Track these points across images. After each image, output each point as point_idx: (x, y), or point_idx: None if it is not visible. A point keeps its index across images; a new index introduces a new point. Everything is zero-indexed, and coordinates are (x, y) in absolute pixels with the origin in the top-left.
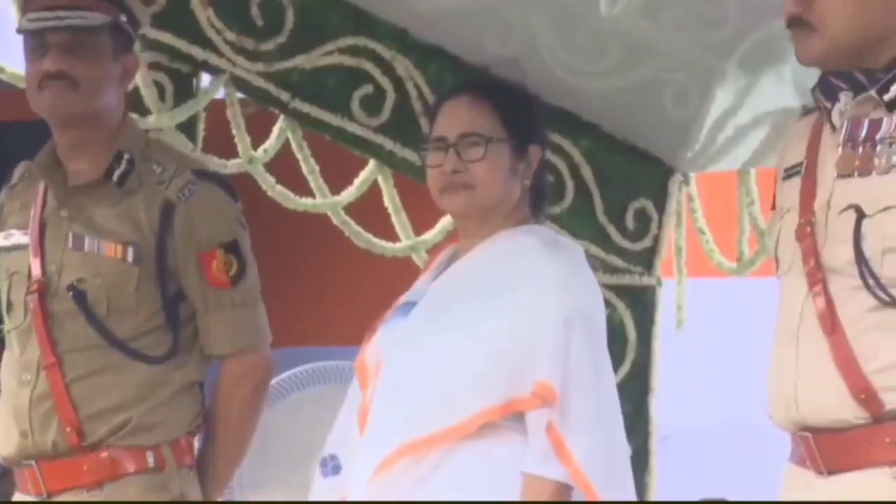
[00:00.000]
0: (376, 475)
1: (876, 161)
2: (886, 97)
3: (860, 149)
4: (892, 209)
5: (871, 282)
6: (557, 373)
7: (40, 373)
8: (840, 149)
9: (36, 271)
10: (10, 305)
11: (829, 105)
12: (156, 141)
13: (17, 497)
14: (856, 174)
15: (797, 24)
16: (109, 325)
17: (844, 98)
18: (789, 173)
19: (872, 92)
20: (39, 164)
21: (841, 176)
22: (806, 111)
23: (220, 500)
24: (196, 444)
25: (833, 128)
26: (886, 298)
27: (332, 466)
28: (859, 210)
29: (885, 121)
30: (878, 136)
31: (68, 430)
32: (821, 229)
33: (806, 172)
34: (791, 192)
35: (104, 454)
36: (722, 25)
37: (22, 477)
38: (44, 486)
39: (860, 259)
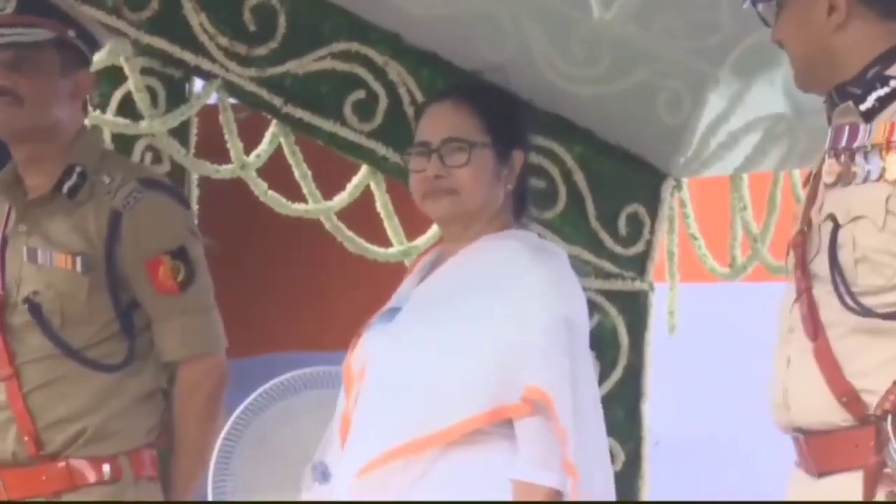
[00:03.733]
0: (358, 479)
1: (854, 170)
2: (863, 107)
3: (841, 158)
4: (862, 219)
5: (842, 289)
6: (548, 376)
7: None
8: (827, 158)
9: None
10: None
11: (831, 113)
12: (112, 153)
13: None
14: (840, 184)
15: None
16: (64, 335)
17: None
18: (805, 183)
19: (850, 103)
20: (1, 181)
21: (828, 186)
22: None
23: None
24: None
25: None
26: (856, 308)
27: (321, 473)
28: (834, 220)
29: (862, 129)
30: (854, 146)
31: (26, 439)
32: (814, 237)
33: (812, 182)
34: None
35: (61, 464)
36: (715, 31)
37: None
38: (6, 493)
39: (834, 268)
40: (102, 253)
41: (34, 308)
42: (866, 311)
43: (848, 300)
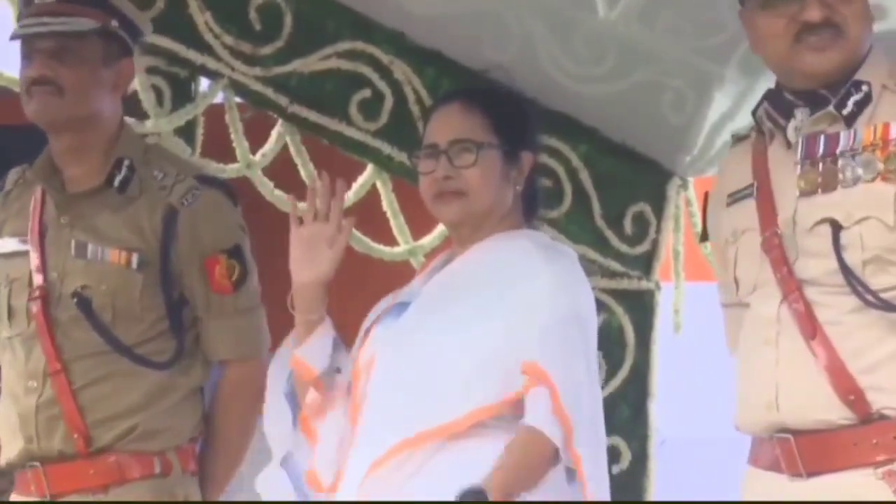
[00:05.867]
0: (369, 474)
1: (840, 176)
2: (845, 112)
3: (820, 165)
4: (868, 220)
5: (860, 289)
6: (549, 358)
7: (47, 380)
8: (798, 167)
9: (38, 278)
10: (10, 312)
11: (783, 122)
12: (154, 146)
13: (14, 497)
14: (819, 191)
15: (815, 30)
16: (115, 331)
17: (801, 115)
18: (736, 197)
19: (831, 108)
20: (37, 169)
21: (804, 194)
22: (738, 137)
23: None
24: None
25: (788, 144)
26: (878, 303)
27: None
28: (835, 223)
29: (843, 134)
30: (838, 151)
31: (76, 436)
32: (790, 244)
33: (760, 193)
34: (743, 214)
35: (111, 458)
36: (719, 30)
37: (24, 479)
38: (47, 487)
39: (846, 270)
40: (157, 250)
41: (84, 303)
42: (890, 307)
43: (869, 297)
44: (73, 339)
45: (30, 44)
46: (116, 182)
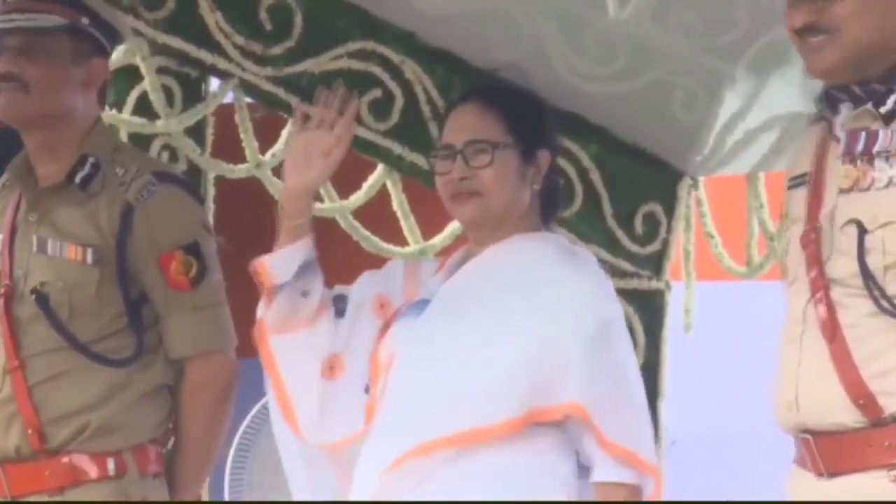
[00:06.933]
0: (389, 470)
1: (874, 175)
2: (883, 110)
3: (858, 163)
4: (891, 225)
5: (877, 293)
6: (590, 391)
7: (6, 377)
8: (840, 162)
9: (4, 276)
10: None
11: (832, 117)
12: (126, 146)
13: None
14: (855, 189)
15: (811, 32)
16: (72, 327)
17: (845, 110)
18: (795, 182)
19: (869, 105)
20: (12, 168)
21: (842, 191)
22: (814, 119)
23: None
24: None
25: (837, 139)
26: (892, 310)
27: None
28: (860, 225)
29: (882, 133)
30: (875, 150)
31: (30, 433)
32: (826, 240)
33: (812, 183)
34: (798, 201)
35: (65, 459)
36: (730, 29)
37: None
38: (7, 489)
39: (866, 273)
40: (114, 246)
41: (42, 299)
42: None
43: (885, 304)
44: (33, 335)
45: (0, 41)
46: (77, 178)
